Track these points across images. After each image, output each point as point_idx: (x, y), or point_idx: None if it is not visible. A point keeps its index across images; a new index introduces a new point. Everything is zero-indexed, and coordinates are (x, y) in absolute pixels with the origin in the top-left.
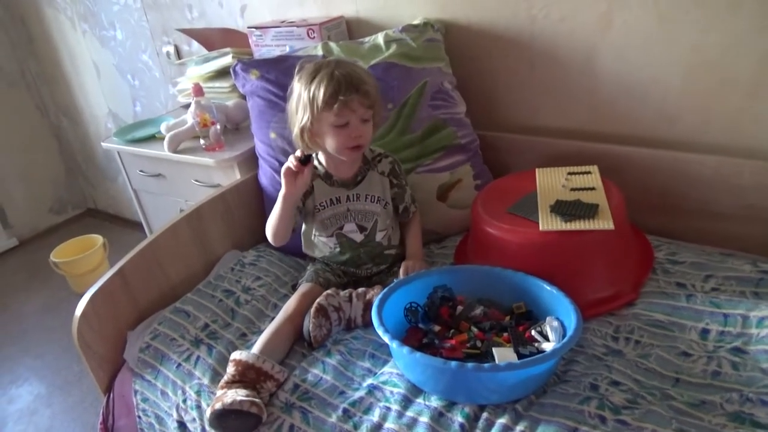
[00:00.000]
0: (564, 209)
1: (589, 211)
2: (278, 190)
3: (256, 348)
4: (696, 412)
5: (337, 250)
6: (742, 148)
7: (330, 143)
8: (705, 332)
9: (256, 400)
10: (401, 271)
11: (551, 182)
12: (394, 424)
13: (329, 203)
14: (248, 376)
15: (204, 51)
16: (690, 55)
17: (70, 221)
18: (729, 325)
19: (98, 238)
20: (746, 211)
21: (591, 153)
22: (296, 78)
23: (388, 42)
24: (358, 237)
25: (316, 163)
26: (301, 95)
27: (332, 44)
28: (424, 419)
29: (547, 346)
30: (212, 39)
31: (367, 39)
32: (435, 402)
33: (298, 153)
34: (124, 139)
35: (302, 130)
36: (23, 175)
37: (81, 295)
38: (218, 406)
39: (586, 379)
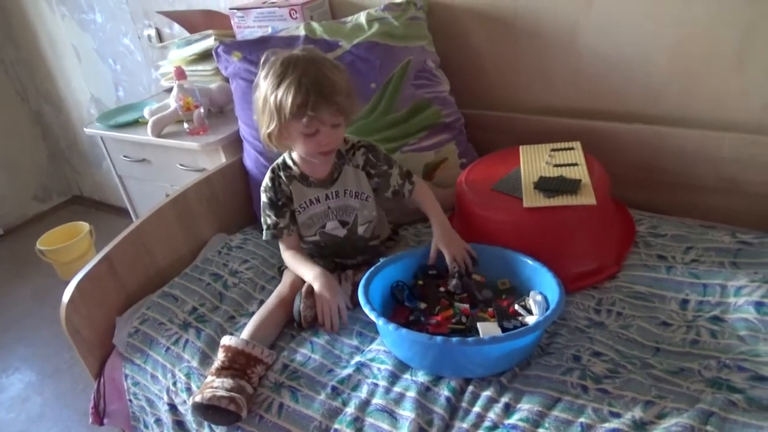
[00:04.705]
0: (547, 185)
1: (572, 186)
2: (263, 173)
3: (246, 333)
4: (675, 379)
5: (321, 245)
6: (727, 121)
7: (300, 149)
8: (684, 302)
9: (237, 396)
10: (446, 257)
11: (535, 159)
12: (381, 400)
13: (309, 204)
14: (238, 362)
15: (186, 34)
16: (675, 29)
17: (56, 209)
18: (708, 295)
19: (84, 225)
20: (726, 183)
21: (575, 129)
22: (262, 74)
23: (371, 21)
24: (341, 232)
25: (290, 163)
26: (267, 99)
27: (315, 24)
28: (412, 394)
29: (531, 320)
30: (194, 21)
31: (349, 18)
32: (422, 377)
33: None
34: (106, 124)
35: (270, 135)
36: (6, 163)
37: (69, 283)
38: (198, 398)
39: (568, 350)
